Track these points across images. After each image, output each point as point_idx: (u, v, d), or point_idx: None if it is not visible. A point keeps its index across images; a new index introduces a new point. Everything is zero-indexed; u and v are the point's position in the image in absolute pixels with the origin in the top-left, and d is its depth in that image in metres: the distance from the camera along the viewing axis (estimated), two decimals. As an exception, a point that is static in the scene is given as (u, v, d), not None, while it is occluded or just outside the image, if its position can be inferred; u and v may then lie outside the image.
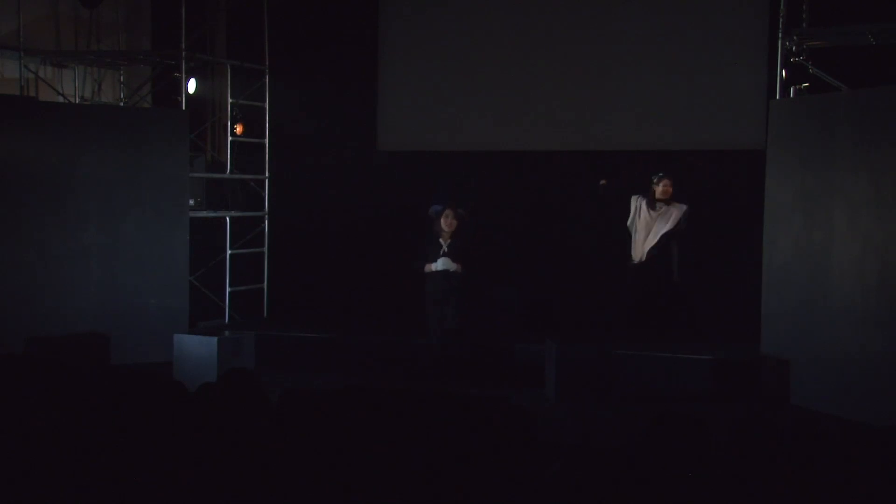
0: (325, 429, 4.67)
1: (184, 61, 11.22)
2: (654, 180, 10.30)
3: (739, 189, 10.87)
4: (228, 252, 11.85)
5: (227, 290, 11.86)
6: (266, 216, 12.30)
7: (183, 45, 11.12)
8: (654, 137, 11.48)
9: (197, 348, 9.66)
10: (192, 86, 11.91)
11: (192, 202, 11.39)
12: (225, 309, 11.84)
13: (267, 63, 12.28)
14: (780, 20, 9.62)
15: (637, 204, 10.32)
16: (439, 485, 4.20)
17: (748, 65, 11.09)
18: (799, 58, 9.68)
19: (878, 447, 4.27)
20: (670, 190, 10.25)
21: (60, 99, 11.63)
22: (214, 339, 9.63)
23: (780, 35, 9.62)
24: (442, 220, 10.02)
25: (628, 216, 10.37)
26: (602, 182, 10.37)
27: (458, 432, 4.57)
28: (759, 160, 9.97)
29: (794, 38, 9.61)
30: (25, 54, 11.17)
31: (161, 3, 12.59)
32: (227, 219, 11.90)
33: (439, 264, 9.94)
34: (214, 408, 4.75)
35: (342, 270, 12.11)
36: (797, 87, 9.65)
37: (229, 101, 12.05)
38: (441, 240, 10.02)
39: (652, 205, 10.27)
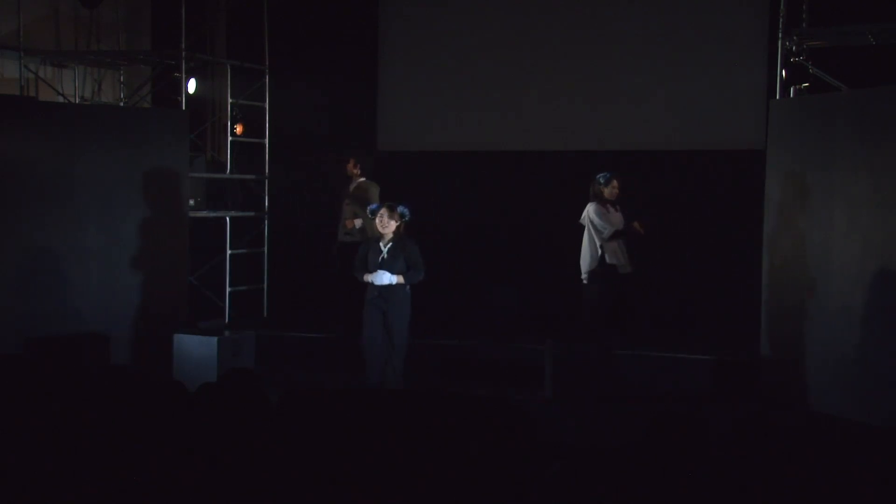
0: (325, 429, 4.67)
1: (184, 61, 11.21)
2: (602, 181, 9.24)
3: (739, 189, 10.86)
4: (228, 252, 11.84)
5: (227, 290, 11.86)
6: (266, 216, 12.29)
7: (183, 45, 11.11)
8: (654, 137, 11.48)
9: (197, 348, 9.67)
10: (192, 86, 11.91)
11: (192, 202, 11.39)
12: (225, 309, 11.84)
13: (267, 63, 12.27)
14: (780, 20, 9.62)
15: (598, 211, 9.19)
16: (439, 485, 4.20)
17: (748, 65, 11.10)
18: (799, 58, 9.67)
19: (878, 447, 4.27)
20: (616, 191, 9.27)
21: (60, 99, 11.62)
22: (214, 339, 9.64)
23: (780, 35, 9.61)
24: (376, 221, 8.61)
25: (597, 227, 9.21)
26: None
27: (458, 432, 4.57)
28: (759, 160, 9.96)
29: (794, 38, 9.61)
30: (25, 54, 11.17)
31: (161, 3, 12.60)
32: (227, 219, 11.90)
33: (375, 277, 8.48)
34: (214, 408, 4.74)
35: (342, 270, 12.09)
36: (797, 87, 9.65)
37: (229, 101, 12.04)
38: (381, 244, 8.58)
39: (606, 207, 9.23)
